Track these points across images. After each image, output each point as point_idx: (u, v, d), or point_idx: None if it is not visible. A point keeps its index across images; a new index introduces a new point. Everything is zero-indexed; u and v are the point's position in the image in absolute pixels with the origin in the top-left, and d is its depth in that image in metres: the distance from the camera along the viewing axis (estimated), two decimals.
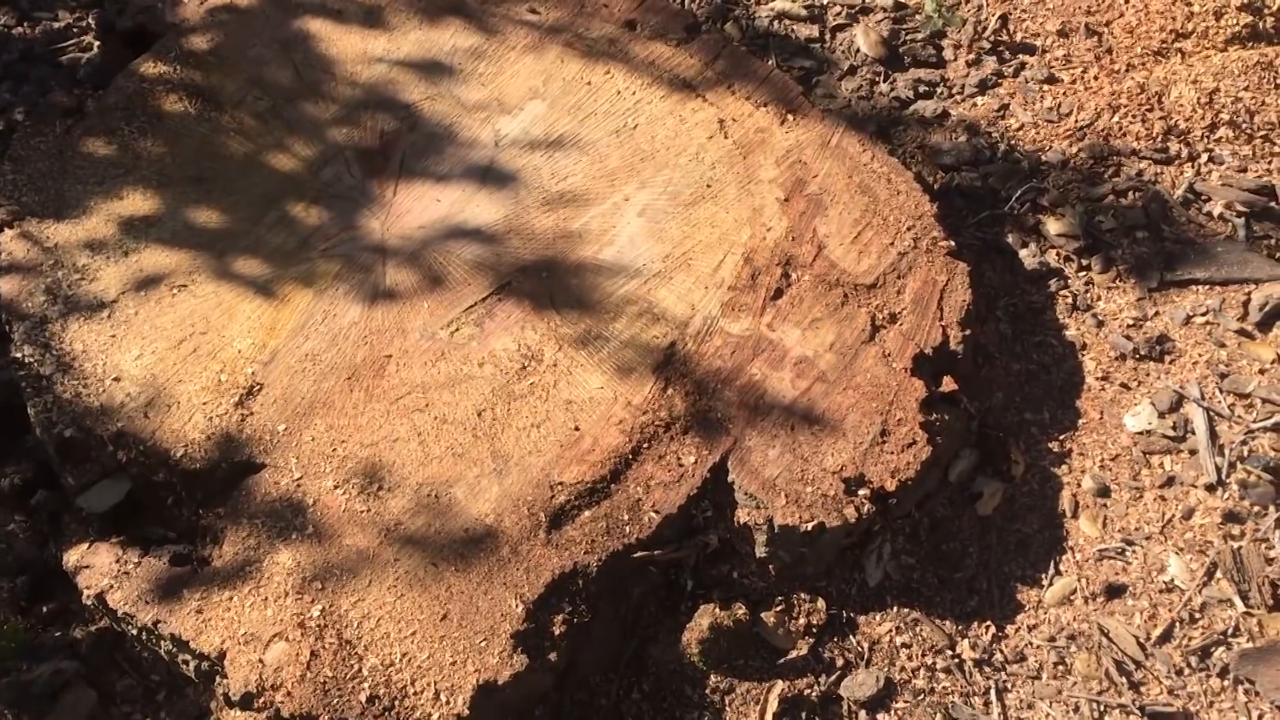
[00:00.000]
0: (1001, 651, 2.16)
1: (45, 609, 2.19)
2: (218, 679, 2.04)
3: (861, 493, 2.14)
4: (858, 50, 3.06)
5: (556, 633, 1.99)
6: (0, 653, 2.09)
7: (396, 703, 1.89)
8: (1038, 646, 2.16)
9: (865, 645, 2.16)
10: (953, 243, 2.45)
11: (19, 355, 2.26)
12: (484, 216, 2.48)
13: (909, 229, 2.46)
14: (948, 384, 2.29)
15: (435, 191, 2.52)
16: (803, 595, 2.18)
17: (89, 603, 2.06)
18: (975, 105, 2.95)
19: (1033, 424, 2.43)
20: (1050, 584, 2.23)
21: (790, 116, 2.64)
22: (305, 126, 2.63)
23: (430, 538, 2.06)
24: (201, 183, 2.53)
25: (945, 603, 2.22)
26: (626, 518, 2.10)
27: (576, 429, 2.18)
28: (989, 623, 2.20)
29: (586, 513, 2.10)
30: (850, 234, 2.45)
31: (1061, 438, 2.41)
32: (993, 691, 2.11)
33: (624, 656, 2.14)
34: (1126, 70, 2.97)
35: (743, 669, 2.12)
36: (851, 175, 2.54)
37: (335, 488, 2.11)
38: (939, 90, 2.98)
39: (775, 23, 3.13)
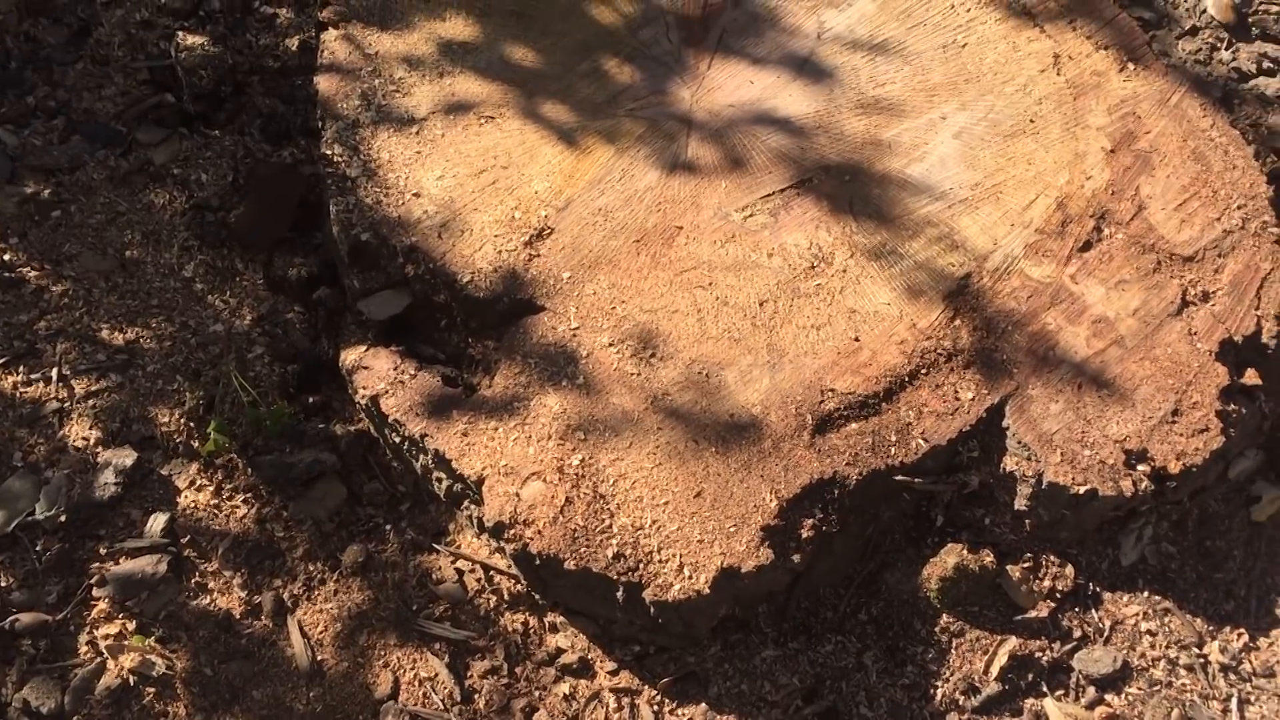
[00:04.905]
0: (1250, 662, 2.05)
1: (311, 400, 2.27)
2: (466, 503, 2.09)
3: (1141, 468, 2.03)
4: (1204, 11, 2.85)
5: (804, 536, 1.96)
6: (267, 431, 2.18)
7: (641, 565, 1.90)
8: None
9: (1107, 623, 2.07)
10: None
11: (328, 153, 2.30)
12: (795, 108, 2.41)
13: (1239, 207, 2.30)
14: (1251, 376, 2.15)
15: (749, 73, 2.46)
16: (1052, 558, 2.10)
17: (361, 403, 2.12)
18: None
19: None
20: None
21: (1131, 65, 2.48)
22: None
23: (695, 415, 2.04)
24: (522, 19, 2.52)
25: (1199, 600, 2.11)
26: (893, 439, 2.04)
27: (856, 339, 2.12)
28: (1242, 630, 2.09)
29: (854, 425, 2.05)
30: (1175, 200, 2.30)
31: None
32: (1234, 700, 2.00)
33: (859, 576, 2.11)
34: None
35: (977, 616, 2.06)
36: (1187, 139, 2.38)
37: (610, 345, 2.11)
38: None
39: None
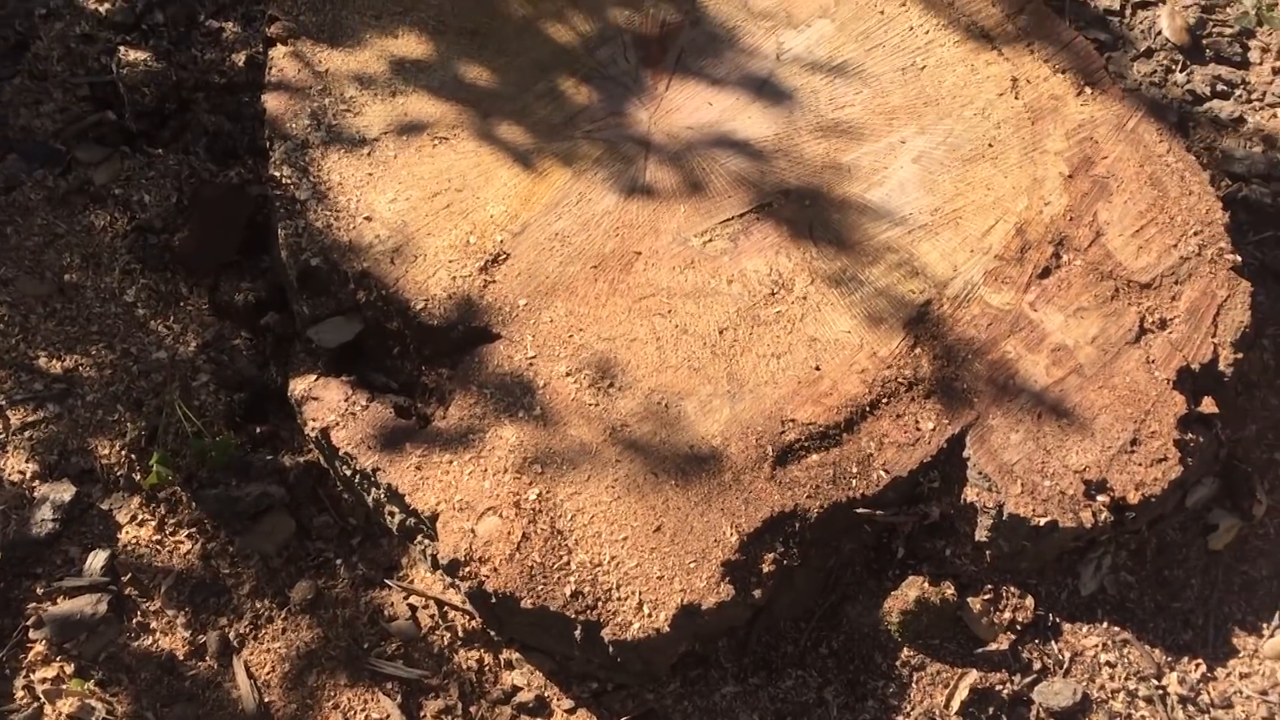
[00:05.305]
0: (1208, 693, 2.05)
1: (258, 430, 2.20)
2: (419, 537, 2.04)
3: (1101, 499, 2.02)
4: (1158, 33, 2.86)
5: (765, 570, 1.93)
6: (212, 463, 2.11)
7: (600, 603, 1.86)
8: (1247, 696, 2.05)
9: (1067, 654, 2.06)
10: (1239, 258, 2.29)
11: (277, 174, 2.24)
12: (754, 130, 2.38)
13: (1195, 234, 2.30)
14: (1208, 405, 2.15)
15: (708, 94, 2.43)
16: (1012, 589, 2.09)
17: (311, 435, 2.06)
18: (1276, 115, 2.74)
19: None
20: (1271, 635, 2.11)
21: (1088, 89, 2.47)
22: (588, 1, 2.55)
23: (654, 446, 2.01)
24: (477, 37, 2.47)
25: (1158, 630, 2.11)
26: (855, 470, 2.02)
27: (817, 368, 2.10)
28: (1200, 661, 2.08)
29: (815, 456, 2.03)
30: (1132, 226, 2.30)
31: None
32: None
33: (819, 609, 2.08)
34: None
35: (938, 649, 2.05)
36: (1144, 164, 2.38)
37: (567, 375, 2.07)
38: (1238, 92, 2.78)
39: None
